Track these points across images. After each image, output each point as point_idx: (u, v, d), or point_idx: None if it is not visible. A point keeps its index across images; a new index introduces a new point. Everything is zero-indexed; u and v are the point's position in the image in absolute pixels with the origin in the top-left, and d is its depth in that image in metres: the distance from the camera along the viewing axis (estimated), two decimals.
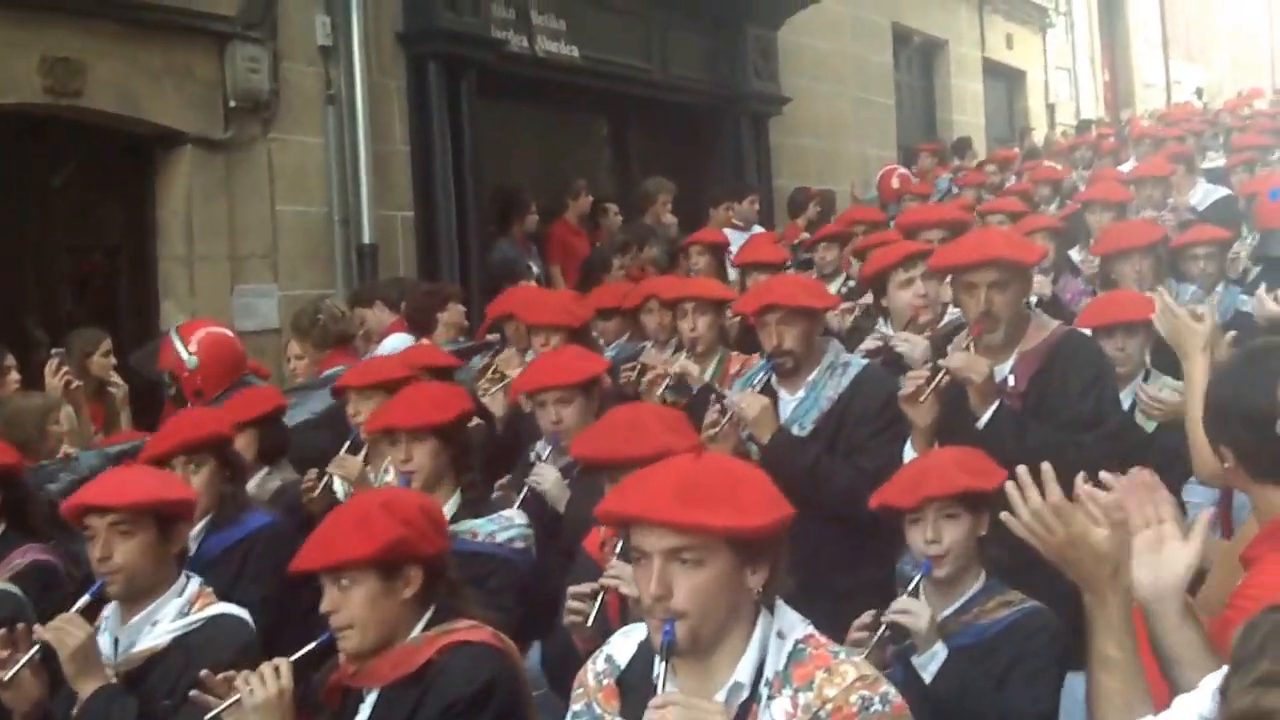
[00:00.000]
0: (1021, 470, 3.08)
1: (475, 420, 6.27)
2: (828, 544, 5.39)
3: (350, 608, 3.91)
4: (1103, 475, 3.17)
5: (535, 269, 11.92)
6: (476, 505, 5.51)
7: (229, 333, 8.19)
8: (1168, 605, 2.93)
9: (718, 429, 5.74)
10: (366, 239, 11.17)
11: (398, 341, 8.61)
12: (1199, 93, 27.99)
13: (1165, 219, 10.37)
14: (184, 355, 7.64)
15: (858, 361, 6.09)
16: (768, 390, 5.98)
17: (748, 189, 14.35)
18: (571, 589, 4.58)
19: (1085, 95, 27.52)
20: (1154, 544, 3.00)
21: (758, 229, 13.76)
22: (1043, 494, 3.03)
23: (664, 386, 6.95)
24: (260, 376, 9.03)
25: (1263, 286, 6.98)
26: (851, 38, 18.98)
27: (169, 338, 7.91)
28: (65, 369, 7.53)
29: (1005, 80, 24.87)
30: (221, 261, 10.27)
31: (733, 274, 10.22)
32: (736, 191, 14.08)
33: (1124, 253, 7.90)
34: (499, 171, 12.99)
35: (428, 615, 4.04)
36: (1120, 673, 2.87)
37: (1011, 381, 5.53)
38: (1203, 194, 12.37)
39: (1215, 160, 15.69)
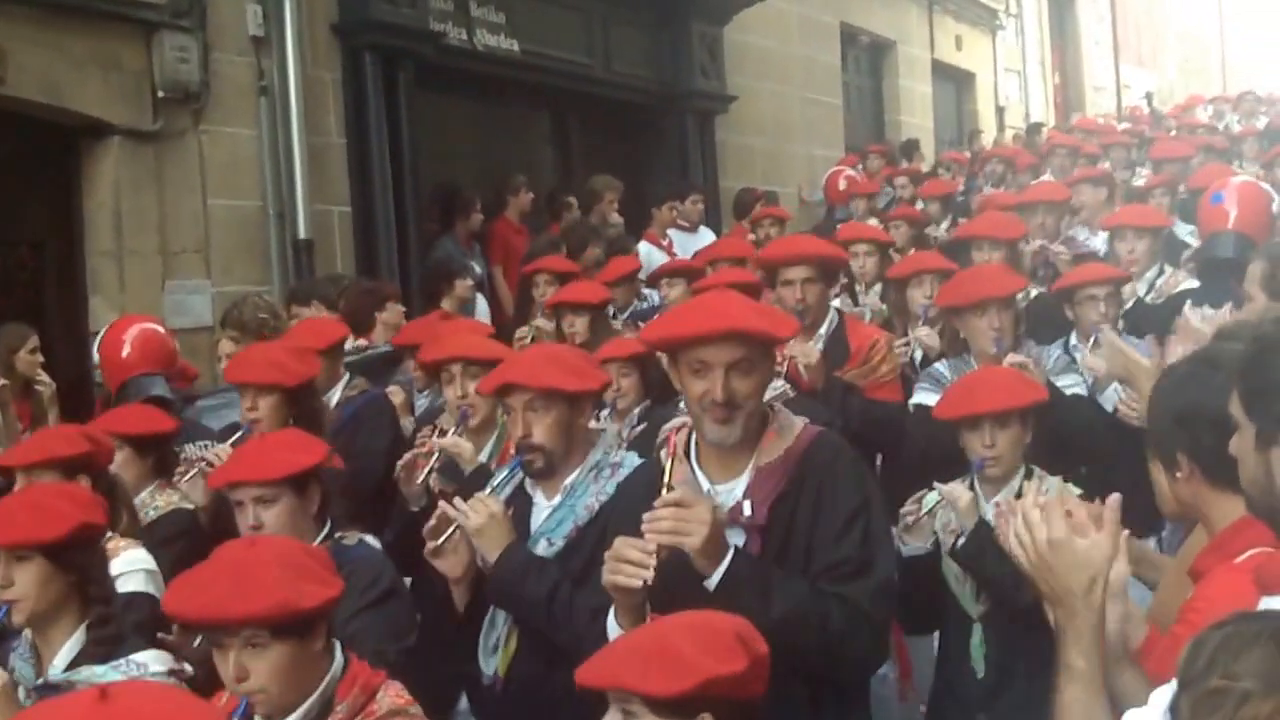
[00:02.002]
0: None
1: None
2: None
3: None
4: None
5: (478, 269, 11.74)
6: (108, 645, 4.43)
7: (160, 329, 8.06)
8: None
9: (443, 540, 4.80)
10: (302, 234, 10.99)
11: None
12: (1149, 97, 28.03)
13: (1059, 254, 9.49)
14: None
15: (630, 461, 4.93)
16: (521, 494, 5.01)
17: (692, 188, 14.24)
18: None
19: (1035, 98, 27.57)
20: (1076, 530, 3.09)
21: (705, 231, 13.66)
22: None
23: (429, 470, 5.92)
24: (188, 376, 8.89)
25: (1188, 304, 6.79)
26: (799, 37, 18.90)
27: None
28: None
29: (954, 82, 24.88)
30: (152, 257, 10.06)
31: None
32: (681, 191, 13.97)
33: (977, 306, 6.76)
34: (438, 167, 12.86)
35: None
36: (1084, 683, 2.89)
37: (747, 510, 4.07)
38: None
39: (1143, 177, 14.68)
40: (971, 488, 5.43)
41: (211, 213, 10.49)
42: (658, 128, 16.02)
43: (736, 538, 4.00)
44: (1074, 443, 6.16)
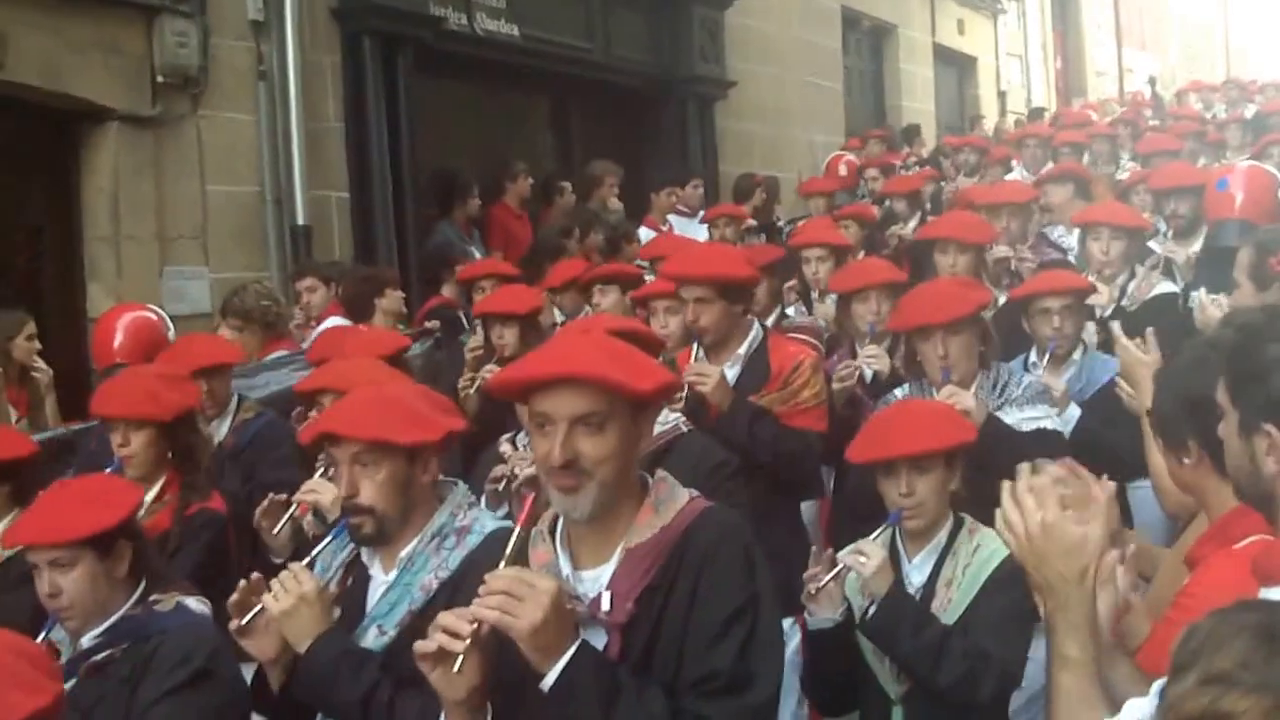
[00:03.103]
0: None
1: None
2: None
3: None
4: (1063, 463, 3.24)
5: (476, 254, 11.72)
6: None
7: (153, 317, 8.04)
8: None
9: (246, 621, 3.98)
10: (300, 220, 10.99)
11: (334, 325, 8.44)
12: (1152, 82, 27.95)
13: (1023, 260, 8.79)
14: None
15: (483, 526, 4.13)
16: (359, 564, 4.24)
17: (690, 174, 14.23)
18: None
19: (1037, 82, 27.54)
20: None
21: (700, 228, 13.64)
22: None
23: (285, 520, 5.18)
24: None
25: (1202, 290, 6.75)
26: (799, 21, 18.84)
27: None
28: None
29: (956, 66, 24.85)
30: (149, 242, 10.04)
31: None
32: (680, 177, 13.98)
33: (921, 331, 6.11)
34: (437, 152, 12.82)
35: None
36: (1079, 673, 2.86)
37: (607, 603, 3.34)
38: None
39: (1127, 170, 13.96)
40: (892, 546, 4.79)
41: (210, 198, 10.48)
42: (657, 113, 16.01)
43: (597, 638, 3.31)
44: None
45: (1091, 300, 7.26)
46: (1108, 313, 7.36)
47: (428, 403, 4.28)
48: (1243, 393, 2.91)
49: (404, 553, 4.03)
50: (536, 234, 11.95)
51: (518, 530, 3.37)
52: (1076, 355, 6.75)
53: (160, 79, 10.03)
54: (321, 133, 11.30)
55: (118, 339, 7.62)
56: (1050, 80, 28.47)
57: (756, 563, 3.39)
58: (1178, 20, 36.31)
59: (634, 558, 3.36)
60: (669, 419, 5.29)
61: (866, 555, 4.55)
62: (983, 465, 4.75)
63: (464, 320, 9.33)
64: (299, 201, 10.95)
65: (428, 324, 9.10)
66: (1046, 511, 2.92)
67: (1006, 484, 3.02)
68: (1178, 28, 36.27)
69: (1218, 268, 7.45)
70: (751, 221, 13.72)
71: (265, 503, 5.18)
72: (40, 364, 8.13)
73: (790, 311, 8.68)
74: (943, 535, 4.78)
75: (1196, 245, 8.67)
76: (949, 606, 4.64)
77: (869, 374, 6.93)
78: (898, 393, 6.24)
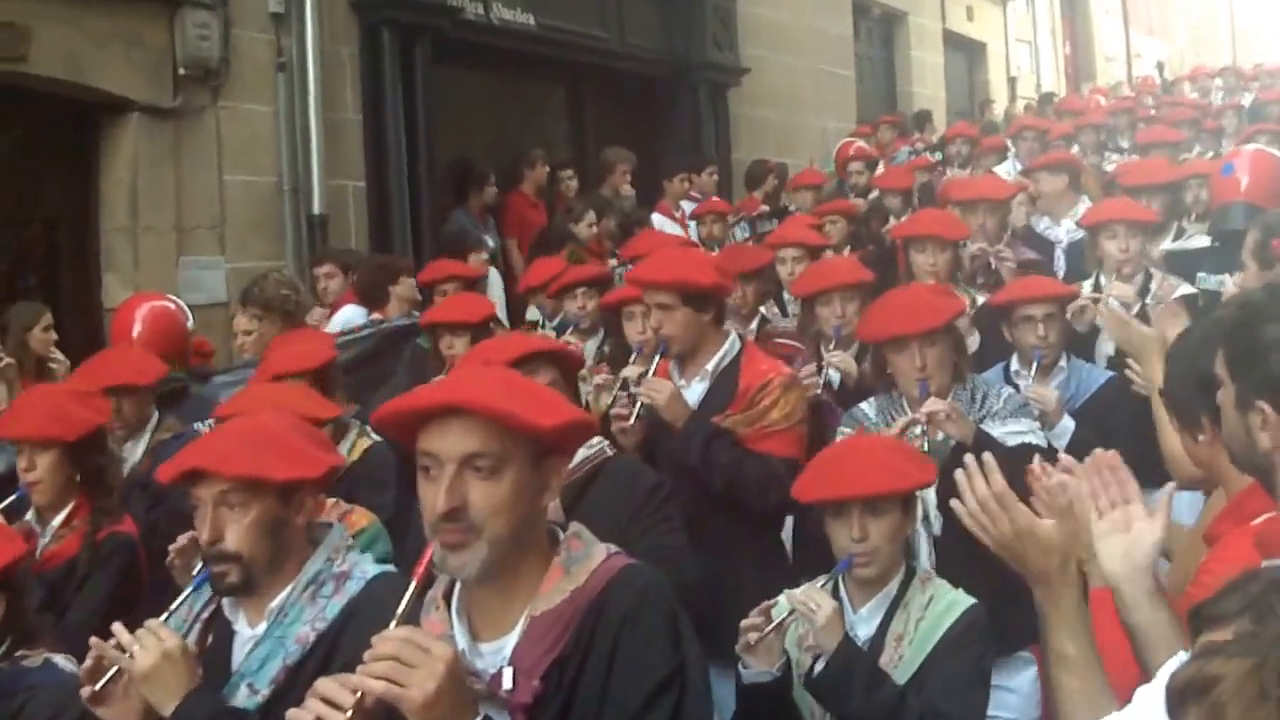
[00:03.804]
0: (969, 459, 3.07)
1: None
2: None
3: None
4: (1062, 458, 3.24)
5: (491, 243, 11.74)
6: None
7: (171, 307, 8.05)
8: (1138, 585, 2.92)
9: (100, 685, 3.50)
10: (317, 209, 11.01)
11: (350, 313, 8.45)
12: (1160, 67, 27.92)
13: (1003, 259, 8.23)
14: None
15: (363, 572, 3.69)
16: (218, 621, 3.74)
17: (705, 161, 14.28)
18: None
19: (1046, 68, 27.45)
20: (1121, 525, 3.01)
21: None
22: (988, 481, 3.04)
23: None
24: (203, 353, 8.91)
25: (1227, 276, 6.76)
26: (811, 9, 18.79)
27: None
28: None
29: (966, 52, 24.76)
30: (167, 233, 10.07)
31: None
32: (694, 163, 14.01)
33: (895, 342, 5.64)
34: (453, 141, 12.82)
35: None
36: (1080, 670, 2.87)
37: (509, 680, 2.88)
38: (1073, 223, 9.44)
39: (1113, 162, 13.60)
40: (836, 594, 4.34)
41: (227, 189, 10.51)
42: (671, 100, 16.03)
43: (499, 717, 2.88)
44: None
45: (1115, 295, 6.95)
46: (1133, 312, 6.72)
47: (306, 436, 3.82)
48: (1240, 369, 2.97)
49: (274, 604, 3.58)
50: (550, 220, 12.01)
51: (413, 585, 2.88)
52: (1063, 363, 6.52)
53: (181, 71, 10.07)
54: (340, 123, 11.33)
55: (137, 329, 7.61)
56: (1060, 65, 28.39)
57: (683, 630, 2.95)
58: (1185, 5, 36.18)
59: (540, 626, 2.91)
60: (593, 443, 4.64)
61: (817, 604, 4.14)
62: None
63: None
64: (316, 191, 10.98)
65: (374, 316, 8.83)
66: (1016, 519, 2.96)
67: (966, 485, 3.02)
68: (1185, 12, 36.16)
69: (1224, 250, 7.49)
70: (764, 207, 13.79)
71: (181, 540, 4.51)
72: (57, 355, 8.16)
73: (764, 312, 8.17)
74: (894, 585, 4.37)
75: (1167, 241, 8.71)
76: (900, 664, 4.23)
77: (835, 379, 6.62)
78: (865, 407, 5.76)
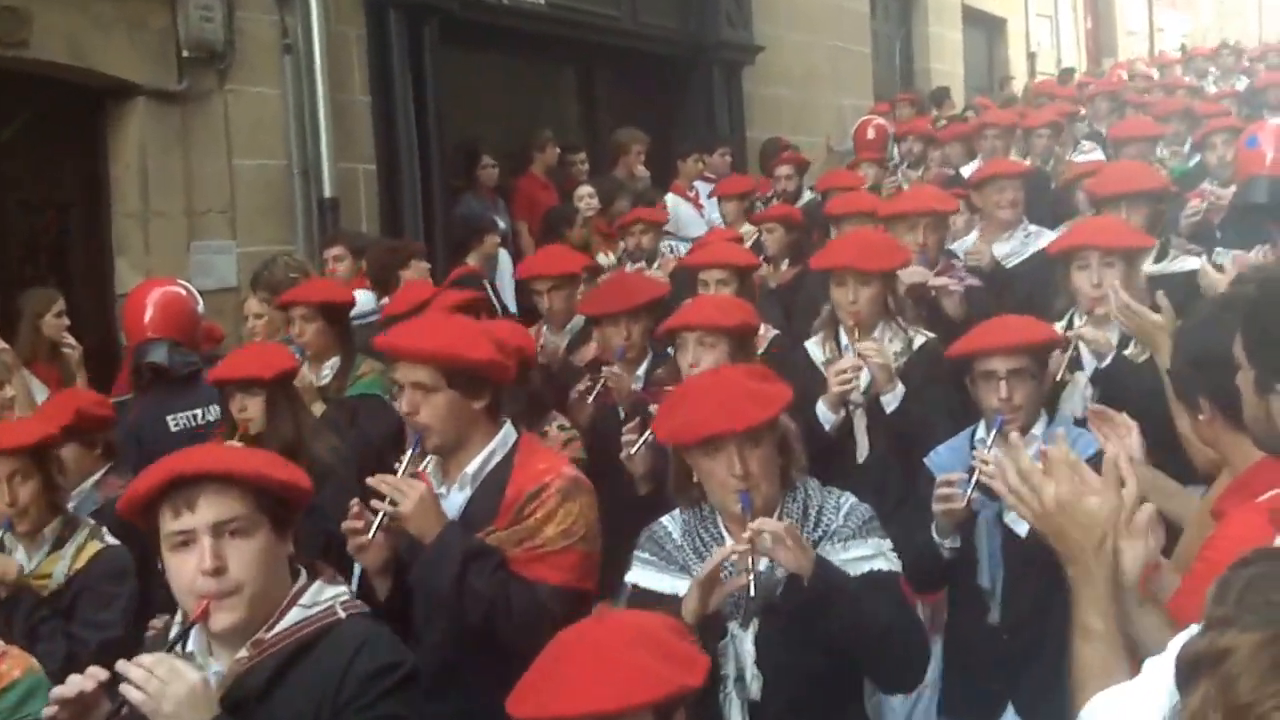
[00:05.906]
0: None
1: None
2: None
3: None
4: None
5: (502, 224, 11.71)
6: None
7: (183, 292, 8.03)
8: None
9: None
10: (327, 192, 10.97)
11: (361, 298, 8.42)
12: (1183, 47, 27.65)
13: (947, 289, 7.23)
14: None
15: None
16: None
17: (719, 140, 14.21)
18: None
19: (1067, 43, 27.33)
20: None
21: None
22: None
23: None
24: (214, 337, 8.91)
25: (1203, 258, 6.59)
26: None
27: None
28: None
29: (985, 28, 24.62)
30: (177, 218, 10.04)
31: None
32: (708, 143, 13.98)
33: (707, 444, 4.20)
34: (463, 123, 12.78)
35: None
36: (1102, 643, 2.85)
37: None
38: (1023, 238, 8.40)
39: (1090, 153, 12.38)
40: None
41: (236, 173, 10.47)
42: (685, 80, 15.91)
43: None
44: None
45: (1087, 339, 5.83)
46: (1108, 361, 5.79)
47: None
48: (1259, 352, 2.95)
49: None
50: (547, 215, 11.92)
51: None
52: (1038, 429, 5.06)
53: (186, 54, 10.00)
54: (348, 105, 11.29)
55: (149, 314, 7.59)
56: (1080, 41, 28.26)
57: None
58: None
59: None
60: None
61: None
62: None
63: (491, 294, 9.25)
64: (326, 174, 10.93)
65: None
66: (1059, 485, 2.92)
67: (1006, 461, 3.05)
68: None
69: (1246, 225, 7.40)
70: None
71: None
72: (70, 340, 8.23)
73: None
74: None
75: (1148, 263, 6.94)
76: None
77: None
78: (669, 524, 4.39)
